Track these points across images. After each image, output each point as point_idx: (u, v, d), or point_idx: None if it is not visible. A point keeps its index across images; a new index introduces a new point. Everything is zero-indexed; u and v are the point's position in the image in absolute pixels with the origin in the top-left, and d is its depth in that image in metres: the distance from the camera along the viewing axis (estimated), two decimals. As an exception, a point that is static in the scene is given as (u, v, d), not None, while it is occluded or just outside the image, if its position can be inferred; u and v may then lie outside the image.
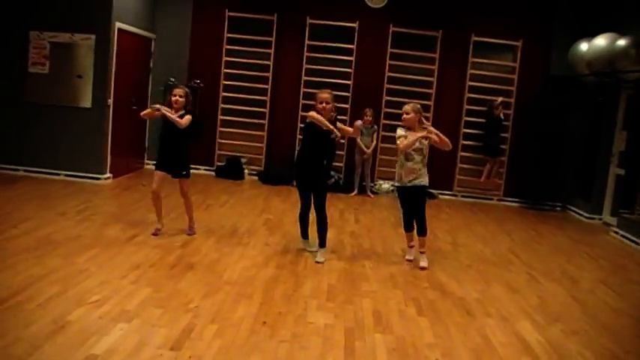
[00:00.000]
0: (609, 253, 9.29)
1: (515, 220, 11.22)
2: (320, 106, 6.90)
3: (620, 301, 6.89)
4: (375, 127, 12.03)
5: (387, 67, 12.55)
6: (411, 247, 7.54)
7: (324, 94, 6.96)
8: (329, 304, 5.77)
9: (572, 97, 12.40)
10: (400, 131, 7.12)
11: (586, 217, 11.89)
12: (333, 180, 12.09)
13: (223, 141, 12.80)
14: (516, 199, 12.82)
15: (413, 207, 7.25)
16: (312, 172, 7.14)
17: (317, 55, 12.46)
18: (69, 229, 7.39)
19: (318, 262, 7.02)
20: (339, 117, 7.37)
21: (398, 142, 7.08)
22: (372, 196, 12.01)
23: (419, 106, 7.18)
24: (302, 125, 7.11)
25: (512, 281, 7.17)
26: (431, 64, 12.54)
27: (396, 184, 7.38)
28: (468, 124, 12.52)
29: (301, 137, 7.94)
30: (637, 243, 9.73)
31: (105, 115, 10.57)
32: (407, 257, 7.54)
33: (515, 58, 12.67)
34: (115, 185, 10.59)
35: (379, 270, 7.10)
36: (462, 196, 12.74)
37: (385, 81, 12.56)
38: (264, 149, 12.72)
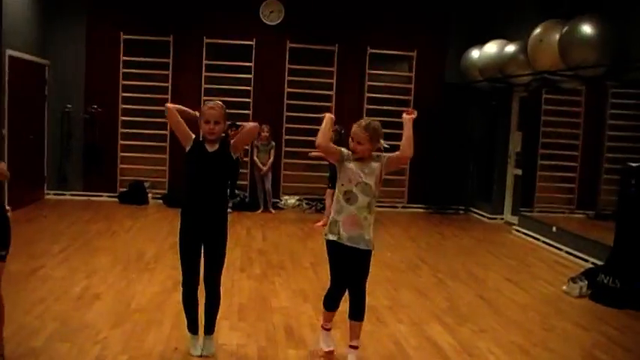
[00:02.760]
0: (512, 251, 9.59)
1: (421, 226, 11.46)
2: (207, 127, 4.80)
3: (525, 296, 7.12)
4: (272, 143, 12.02)
5: (286, 83, 12.63)
6: (328, 330, 5.13)
7: (213, 111, 4.84)
8: (241, 324, 5.72)
9: (467, 103, 12.79)
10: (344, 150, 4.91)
11: (488, 218, 12.24)
12: (238, 199, 12.05)
13: (125, 166, 12.56)
14: (421, 205, 13.08)
15: (348, 276, 4.90)
16: (210, 220, 4.93)
17: (215, 74, 12.40)
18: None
19: (205, 355, 4.97)
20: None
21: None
22: (273, 211, 11.99)
23: (376, 126, 4.84)
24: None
25: (421, 286, 7.30)
26: (329, 78, 12.69)
27: (329, 236, 4.85)
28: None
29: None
30: (538, 239, 10.07)
31: (0, 146, 10.22)
32: (325, 348, 5.11)
33: (410, 68, 12.96)
34: (15, 218, 10.22)
35: (289, 285, 7.10)
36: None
37: (285, 96, 12.63)
38: (167, 172, 12.55)
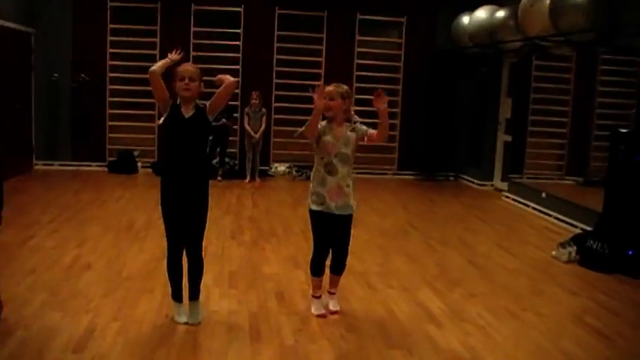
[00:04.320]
0: (502, 217, 9.63)
1: (411, 192, 11.48)
2: (182, 84, 4.72)
3: (515, 262, 7.16)
4: (264, 110, 11.82)
5: (275, 50, 12.55)
6: (319, 297, 5.32)
7: (187, 67, 4.82)
8: (232, 291, 5.74)
9: (457, 70, 12.74)
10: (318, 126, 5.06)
11: (478, 184, 12.28)
12: (227, 166, 12.02)
13: (113, 135, 12.48)
14: (411, 172, 13.09)
15: (334, 239, 5.19)
16: (189, 188, 4.83)
17: (203, 41, 12.30)
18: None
19: (191, 323, 4.95)
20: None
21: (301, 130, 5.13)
22: (258, 180, 11.86)
23: (347, 88, 5.13)
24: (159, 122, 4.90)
25: (412, 252, 7.34)
26: (319, 44, 12.61)
27: (313, 207, 5.08)
28: (358, 102, 12.62)
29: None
30: (527, 205, 10.11)
31: (-14, 117, 10.14)
32: (315, 312, 5.25)
33: (400, 34, 12.90)
34: (4, 188, 10.16)
35: (280, 251, 7.12)
36: (358, 173, 12.87)
37: (274, 64, 12.55)
38: (156, 140, 12.47)
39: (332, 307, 5.31)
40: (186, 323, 4.90)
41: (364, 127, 5.13)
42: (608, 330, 5.22)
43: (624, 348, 4.90)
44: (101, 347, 4.43)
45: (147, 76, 4.67)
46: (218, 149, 11.74)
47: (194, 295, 5.02)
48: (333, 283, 5.36)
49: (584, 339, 5.03)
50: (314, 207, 5.08)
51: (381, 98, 4.93)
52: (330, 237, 5.14)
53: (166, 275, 5.03)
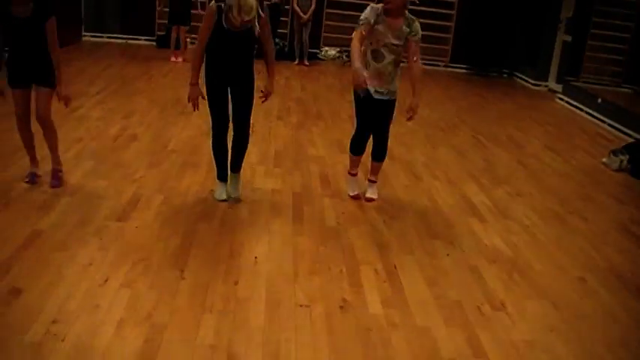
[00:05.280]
0: (555, 119, 9.41)
1: (463, 87, 11.26)
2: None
3: (564, 165, 7.01)
4: None
5: None
6: (355, 174, 5.34)
7: None
8: (276, 170, 5.74)
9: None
10: (366, 14, 4.78)
11: (532, 84, 11.97)
12: (277, 47, 11.81)
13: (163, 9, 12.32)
14: (463, 66, 12.79)
15: (374, 123, 5.10)
16: (236, 63, 4.69)
17: None
18: (1, 106, 7.09)
19: (230, 200, 4.95)
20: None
21: (354, 32, 4.83)
22: (307, 63, 11.71)
23: None
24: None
25: (459, 145, 7.22)
26: None
27: (357, 89, 4.87)
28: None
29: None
30: (581, 110, 9.83)
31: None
32: (350, 193, 5.31)
33: None
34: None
35: (326, 135, 7.05)
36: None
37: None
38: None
39: (369, 194, 5.27)
40: (225, 201, 4.88)
41: (418, 34, 4.86)
42: (654, 240, 5.11)
43: (669, 259, 4.80)
44: (145, 217, 4.47)
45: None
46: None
47: (236, 167, 5.00)
48: (374, 170, 5.31)
49: (628, 247, 4.94)
50: (357, 89, 4.90)
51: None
52: (370, 119, 5.07)
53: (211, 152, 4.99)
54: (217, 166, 4.99)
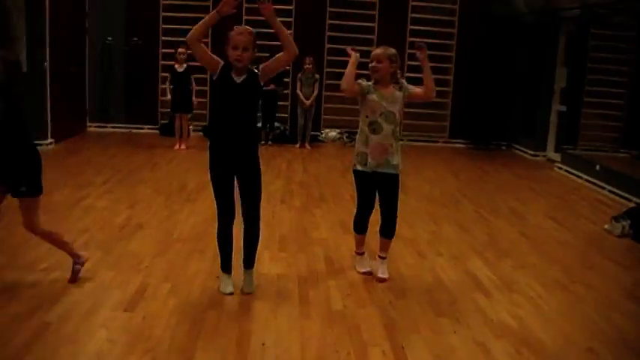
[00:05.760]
0: (554, 188, 9.49)
1: (462, 161, 11.38)
2: (234, 53, 4.52)
3: (566, 234, 7.06)
4: (317, 76, 11.84)
5: (327, 15, 12.47)
6: (362, 253, 5.45)
7: (241, 35, 4.59)
8: (281, 255, 5.78)
9: (513, 37, 12.51)
10: (362, 83, 5.09)
11: (531, 155, 12.11)
12: (278, 131, 12.04)
13: (165, 98, 12.55)
14: (462, 140, 12.96)
15: (380, 198, 5.22)
16: (239, 151, 4.68)
17: (256, 5, 12.21)
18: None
19: (247, 293, 4.86)
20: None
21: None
22: (309, 147, 11.89)
23: (395, 52, 5.07)
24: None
25: (462, 220, 7.28)
26: (372, 10, 12.51)
27: (358, 167, 5.11)
28: (411, 68, 12.47)
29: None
30: (580, 177, 9.93)
31: (43, 79, 10.28)
32: (360, 269, 5.39)
33: (455, 0, 12.69)
34: (59, 149, 10.38)
35: (329, 217, 7.13)
36: (409, 140, 12.80)
37: (326, 28, 12.48)
38: (208, 104, 12.52)
39: (380, 273, 5.27)
40: (231, 294, 4.79)
41: (411, 86, 5.14)
42: (661, 304, 5.12)
43: (677, 323, 4.80)
44: (152, 307, 4.50)
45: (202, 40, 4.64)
46: (262, 113, 11.60)
47: (250, 263, 4.93)
48: (383, 247, 5.32)
49: (636, 313, 4.94)
50: (358, 167, 5.13)
51: (420, 49, 5.01)
52: (373, 196, 5.20)
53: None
54: (222, 256, 4.91)
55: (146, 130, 12.50)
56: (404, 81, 5.13)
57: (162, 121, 12.50)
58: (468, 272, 5.60)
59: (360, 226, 5.33)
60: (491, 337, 4.34)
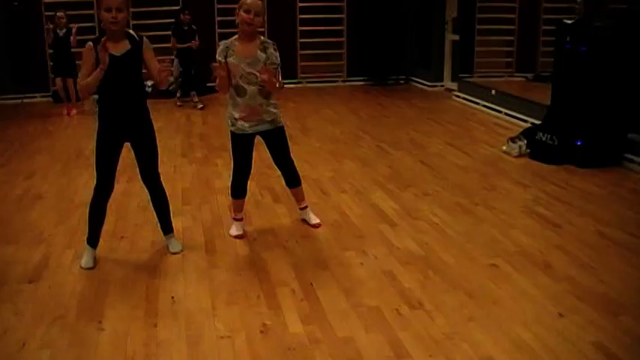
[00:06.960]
0: (453, 116, 9.68)
1: (362, 98, 11.47)
2: (108, 15, 4.11)
3: (466, 158, 7.24)
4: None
5: None
6: (240, 219, 5.13)
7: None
8: (185, 208, 5.74)
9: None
10: (217, 54, 4.72)
11: (429, 86, 12.28)
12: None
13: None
14: (361, 78, 13.01)
15: (272, 155, 5.04)
16: (130, 112, 4.42)
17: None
18: None
19: (175, 253, 4.74)
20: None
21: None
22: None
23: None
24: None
25: (364, 156, 7.37)
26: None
27: (233, 129, 4.82)
28: (304, 10, 12.39)
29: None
30: (477, 104, 10.15)
31: None
32: (233, 233, 5.08)
33: None
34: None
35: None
36: (307, 82, 12.78)
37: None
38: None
39: (312, 221, 5.21)
40: (91, 268, 4.49)
41: (276, 62, 4.65)
42: (558, 218, 5.32)
43: (573, 234, 4.99)
44: (58, 275, 4.42)
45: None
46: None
47: (168, 228, 4.81)
48: (298, 198, 5.24)
49: (535, 228, 5.14)
50: (233, 129, 4.81)
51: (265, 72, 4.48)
52: (251, 157, 4.91)
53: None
54: (90, 230, 4.62)
55: (39, 98, 12.03)
56: (272, 43, 4.67)
57: (54, 88, 12.04)
58: (373, 205, 5.69)
59: (240, 190, 5.02)
60: (397, 264, 4.45)
